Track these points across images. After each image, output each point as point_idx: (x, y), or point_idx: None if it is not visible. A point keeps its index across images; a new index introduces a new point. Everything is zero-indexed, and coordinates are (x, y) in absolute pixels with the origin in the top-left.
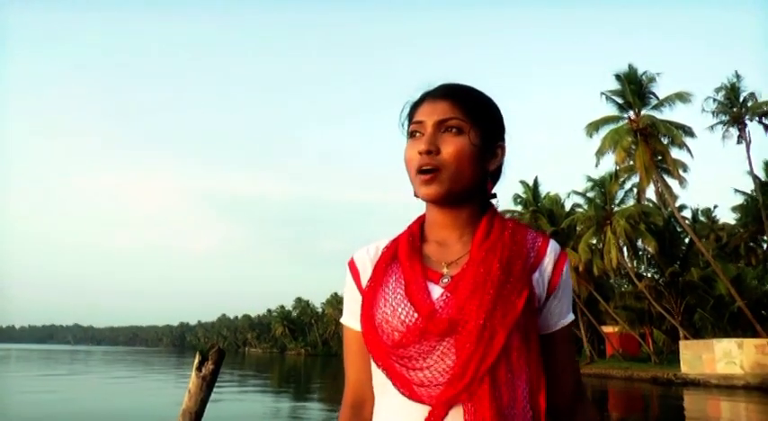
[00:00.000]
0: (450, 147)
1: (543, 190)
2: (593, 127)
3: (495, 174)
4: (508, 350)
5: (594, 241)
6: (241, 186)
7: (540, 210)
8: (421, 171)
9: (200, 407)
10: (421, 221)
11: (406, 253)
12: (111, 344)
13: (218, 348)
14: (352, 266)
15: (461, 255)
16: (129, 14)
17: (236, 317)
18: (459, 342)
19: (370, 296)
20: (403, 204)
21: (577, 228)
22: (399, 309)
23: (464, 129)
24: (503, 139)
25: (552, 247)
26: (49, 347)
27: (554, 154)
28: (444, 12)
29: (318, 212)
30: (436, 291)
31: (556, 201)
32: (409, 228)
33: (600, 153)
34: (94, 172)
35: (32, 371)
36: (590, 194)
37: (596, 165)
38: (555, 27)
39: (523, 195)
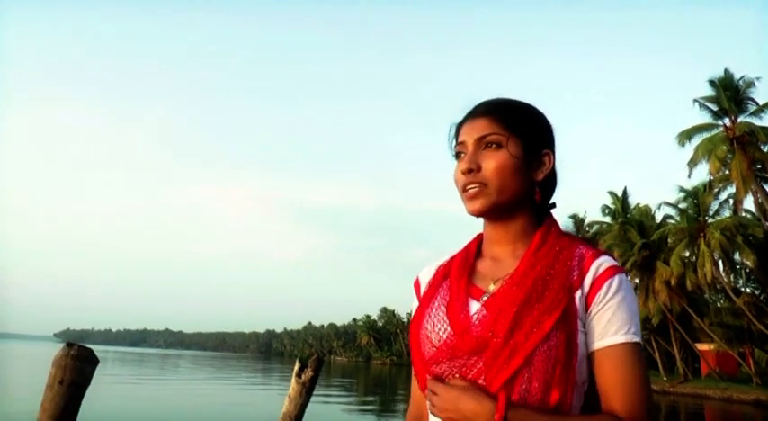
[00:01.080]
0: (491, 162)
1: (632, 201)
2: (686, 136)
3: (546, 183)
4: (531, 371)
5: (687, 254)
6: (327, 195)
7: (630, 222)
8: (465, 190)
9: (300, 411)
10: (480, 239)
11: (457, 270)
12: (199, 349)
13: (316, 356)
14: (416, 285)
15: (510, 272)
16: (210, 21)
17: (322, 326)
18: (485, 361)
19: (417, 313)
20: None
21: (669, 241)
22: (438, 326)
23: (503, 143)
24: (550, 147)
25: (596, 263)
26: (141, 350)
27: (644, 164)
28: (531, 19)
29: (405, 221)
30: (474, 308)
31: (646, 213)
32: (467, 245)
33: (693, 162)
34: (185, 184)
35: (132, 373)
36: (682, 205)
37: (689, 176)
38: (642, 32)
39: (612, 206)
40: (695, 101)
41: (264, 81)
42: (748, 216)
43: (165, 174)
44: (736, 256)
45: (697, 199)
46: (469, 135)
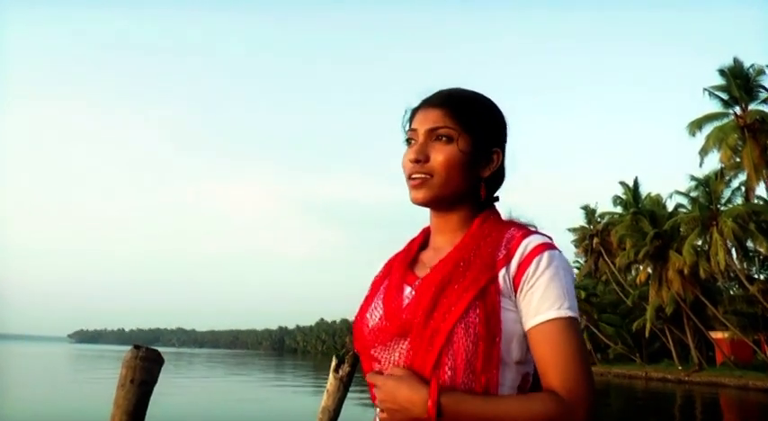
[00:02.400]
0: (440, 155)
1: (644, 190)
2: (696, 125)
3: (493, 179)
4: (453, 351)
5: (700, 243)
6: (337, 190)
7: (641, 212)
8: (411, 178)
9: (338, 405)
10: (427, 231)
11: (399, 260)
12: (212, 347)
13: (353, 353)
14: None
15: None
16: (222, 18)
17: (335, 322)
18: (410, 343)
19: (362, 304)
20: (506, 208)
21: (681, 230)
22: (375, 312)
23: (454, 137)
24: (500, 145)
25: (525, 242)
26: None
27: (654, 154)
28: (545, 14)
29: (416, 215)
30: (406, 293)
31: (657, 202)
32: (412, 239)
33: (704, 151)
34: (195, 181)
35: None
36: (693, 194)
37: (700, 165)
38: (651, 23)
39: (623, 196)
40: (705, 90)
41: (273, 77)
42: (760, 203)
43: (175, 172)
44: (749, 244)
45: (709, 187)
46: (422, 124)
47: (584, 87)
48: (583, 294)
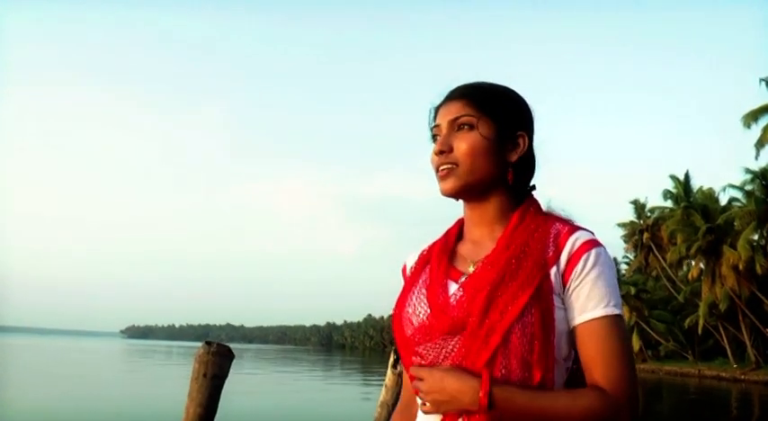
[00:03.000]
0: (463, 143)
1: (695, 184)
2: (752, 116)
3: (522, 165)
4: (508, 349)
5: (756, 237)
6: (381, 188)
7: (693, 206)
8: (438, 170)
9: (396, 400)
10: (461, 223)
11: (437, 254)
12: (261, 343)
13: None
14: (403, 271)
15: (488, 253)
16: (264, 20)
17: (382, 317)
18: (463, 341)
19: (400, 297)
20: (544, 199)
21: (736, 224)
22: (418, 308)
23: (474, 124)
24: (525, 129)
25: (572, 238)
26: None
27: (705, 147)
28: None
29: (458, 210)
30: (452, 289)
31: (710, 196)
32: (448, 229)
33: (760, 144)
34: (242, 181)
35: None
36: (748, 187)
37: (756, 157)
38: (703, 10)
39: (674, 190)
40: (762, 80)
41: (318, 77)
42: None
43: (222, 172)
44: None
45: (765, 180)
46: (444, 117)
47: (634, 81)
48: (633, 290)
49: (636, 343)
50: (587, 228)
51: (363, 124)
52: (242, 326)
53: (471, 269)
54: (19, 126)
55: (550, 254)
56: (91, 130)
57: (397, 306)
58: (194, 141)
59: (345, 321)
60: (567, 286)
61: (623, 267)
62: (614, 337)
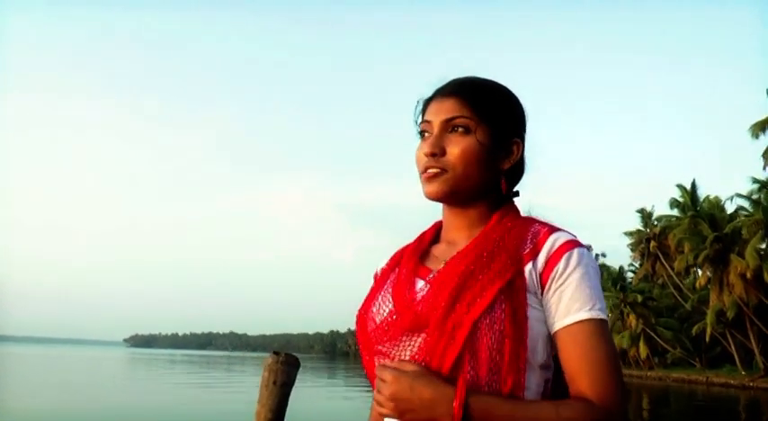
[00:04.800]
0: (456, 148)
1: (702, 193)
2: (759, 127)
3: (513, 172)
4: (476, 347)
5: (763, 246)
6: (380, 195)
7: (700, 215)
8: (425, 171)
9: None
10: (438, 225)
11: (408, 254)
12: (264, 351)
13: None
14: (375, 277)
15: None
16: (263, 28)
17: None
18: (427, 337)
19: (366, 298)
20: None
21: (743, 233)
22: (383, 307)
23: (471, 128)
24: (519, 135)
25: (552, 238)
26: (209, 353)
27: (712, 156)
28: (597, 20)
29: None
30: (419, 287)
31: (716, 205)
32: (422, 232)
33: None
34: (242, 189)
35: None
36: (756, 196)
37: (764, 167)
38: (712, 17)
39: (680, 199)
40: None
41: (318, 84)
42: None
43: (224, 180)
44: None
45: None
46: (436, 115)
47: (640, 88)
48: (639, 298)
49: (643, 350)
50: (568, 230)
51: (363, 131)
52: (245, 334)
53: (441, 267)
54: (21, 133)
55: (527, 251)
56: (93, 138)
57: (362, 306)
58: (196, 149)
59: (349, 329)
60: (547, 287)
61: (630, 275)
62: (600, 343)
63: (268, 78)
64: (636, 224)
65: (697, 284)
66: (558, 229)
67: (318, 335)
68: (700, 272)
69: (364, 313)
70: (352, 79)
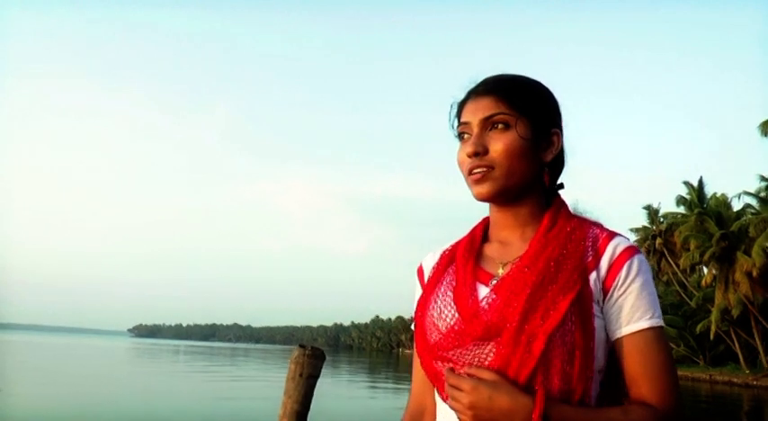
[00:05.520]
0: (499, 144)
1: (708, 190)
2: None
3: (555, 164)
4: (549, 358)
5: None
6: (390, 189)
7: (707, 213)
8: (471, 173)
9: None
10: (486, 222)
11: (463, 254)
12: (268, 343)
13: None
14: (419, 272)
15: (520, 255)
16: (271, 21)
17: (390, 319)
18: (498, 347)
19: (423, 300)
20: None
21: (750, 231)
22: (445, 312)
23: (511, 123)
24: (558, 125)
25: (613, 244)
26: (213, 344)
27: (719, 154)
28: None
29: (467, 212)
30: (482, 293)
31: (723, 203)
32: (472, 229)
33: None
34: (249, 180)
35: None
36: (764, 194)
37: None
38: (721, 16)
39: (687, 196)
40: None
41: (327, 76)
42: None
43: (231, 172)
44: None
45: None
46: (474, 115)
47: (649, 85)
48: None
49: None
50: (623, 234)
51: (372, 124)
52: (249, 325)
53: (501, 271)
54: (30, 122)
55: (590, 259)
56: (101, 129)
57: (418, 309)
58: (203, 140)
59: (353, 322)
60: (609, 294)
61: None
62: (660, 350)
63: (280, 71)
64: (642, 220)
65: (702, 282)
66: (615, 234)
67: (322, 328)
68: (705, 269)
69: (422, 316)
70: (361, 72)
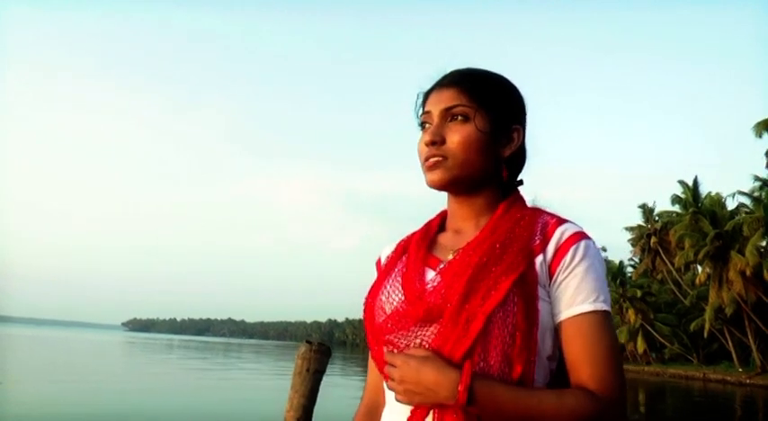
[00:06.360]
0: (456, 135)
1: (703, 190)
2: (763, 126)
3: (514, 160)
4: (487, 339)
5: (764, 244)
6: (383, 185)
7: (702, 212)
8: (427, 161)
9: None
10: (443, 214)
11: (416, 242)
12: (262, 338)
13: None
14: (377, 264)
15: (471, 240)
16: (266, 19)
17: None
18: (441, 329)
19: (374, 286)
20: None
21: (744, 231)
22: (393, 295)
23: (470, 116)
24: (519, 122)
25: (561, 229)
26: (207, 339)
27: (714, 154)
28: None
29: None
30: (429, 277)
31: (718, 202)
32: (428, 220)
33: None
34: (242, 176)
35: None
36: (758, 194)
37: (767, 166)
38: (716, 15)
39: (682, 195)
40: None
41: (320, 74)
42: None
43: (224, 167)
44: None
45: None
46: (435, 105)
47: (643, 84)
48: (639, 293)
49: (641, 345)
50: (576, 222)
51: (363, 121)
52: (243, 321)
53: (451, 257)
54: (30, 117)
55: (537, 242)
56: (96, 123)
57: (369, 295)
58: (196, 136)
59: (347, 318)
60: (554, 278)
61: (629, 270)
62: (603, 335)
63: (275, 69)
64: (637, 219)
65: (697, 281)
66: (565, 221)
67: (316, 324)
68: (700, 268)
69: (372, 302)
70: (353, 71)
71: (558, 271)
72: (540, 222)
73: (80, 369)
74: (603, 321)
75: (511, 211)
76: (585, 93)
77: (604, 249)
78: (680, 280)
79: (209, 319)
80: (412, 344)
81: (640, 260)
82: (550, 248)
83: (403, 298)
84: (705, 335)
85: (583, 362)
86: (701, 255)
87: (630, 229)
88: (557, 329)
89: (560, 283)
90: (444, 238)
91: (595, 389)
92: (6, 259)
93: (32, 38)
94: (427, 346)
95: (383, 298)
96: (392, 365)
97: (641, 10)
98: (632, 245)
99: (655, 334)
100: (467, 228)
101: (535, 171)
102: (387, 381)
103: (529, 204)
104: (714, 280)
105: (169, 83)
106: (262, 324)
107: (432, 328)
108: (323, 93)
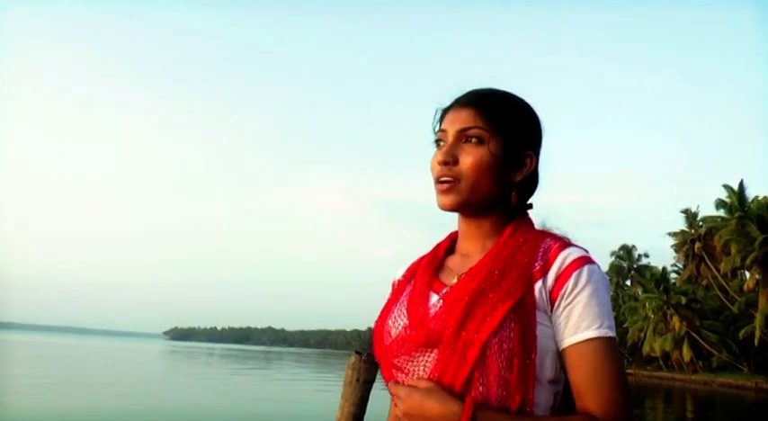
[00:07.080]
0: (469, 158)
1: (750, 194)
2: None
3: (526, 185)
4: (485, 365)
5: None
6: (418, 191)
7: (748, 216)
8: (439, 181)
9: None
10: (453, 236)
11: (423, 266)
12: (302, 347)
13: None
14: (393, 285)
15: (474, 265)
16: (302, 26)
17: None
18: (439, 355)
19: (383, 310)
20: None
21: None
22: (398, 320)
23: (484, 139)
24: (533, 148)
25: (563, 254)
26: (247, 348)
27: (760, 157)
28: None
29: None
30: (433, 301)
31: (765, 206)
32: (438, 243)
33: None
34: (282, 185)
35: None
36: None
37: None
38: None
39: (727, 200)
40: None
41: (356, 79)
42: None
43: (261, 176)
44: None
45: None
46: (452, 125)
47: (685, 89)
48: (683, 300)
49: (686, 353)
50: (582, 245)
51: (402, 127)
52: (283, 329)
53: (455, 281)
54: (51, 118)
55: (537, 268)
56: (131, 130)
57: (379, 318)
58: (237, 144)
59: None
60: (556, 304)
61: (673, 276)
62: (608, 361)
63: (309, 75)
64: (680, 224)
65: (745, 287)
66: (568, 245)
67: (356, 332)
68: (747, 274)
69: (381, 325)
70: (390, 75)
71: (560, 296)
72: (543, 247)
73: (133, 376)
74: (608, 347)
75: (516, 235)
76: (623, 95)
77: (646, 255)
78: (726, 286)
79: (249, 328)
80: (415, 373)
81: (684, 266)
82: (551, 274)
83: (407, 322)
84: (756, 342)
85: (587, 389)
86: (748, 261)
87: (673, 235)
88: (561, 355)
89: (563, 310)
90: (452, 262)
91: (600, 415)
92: (50, 270)
93: (53, 36)
94: (429, 373)
95: (390, 322)
96: (397, 396)
97: (667, 10)
98: (675, 250)
99: (701, 341)
100: (473, 251)
101: (577, 173)
102: (398, 411)
103: (538, 227)
104: (764, 286)
105: (205, 91)
106: (302, 332)
107: (433, 354)
108: (361, 97)
